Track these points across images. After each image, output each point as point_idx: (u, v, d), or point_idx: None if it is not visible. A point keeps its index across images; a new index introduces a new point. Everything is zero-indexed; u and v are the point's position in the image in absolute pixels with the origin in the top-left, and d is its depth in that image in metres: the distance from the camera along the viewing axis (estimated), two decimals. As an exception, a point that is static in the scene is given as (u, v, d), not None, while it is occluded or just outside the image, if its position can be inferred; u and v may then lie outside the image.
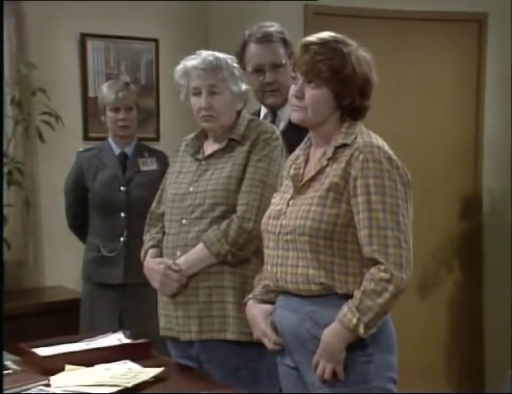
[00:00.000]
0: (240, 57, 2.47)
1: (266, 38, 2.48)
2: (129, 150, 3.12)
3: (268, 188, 2.11)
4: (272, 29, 2.50)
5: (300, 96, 1.82)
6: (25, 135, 3.20)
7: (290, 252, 1.81)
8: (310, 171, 1.86)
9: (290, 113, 1.86)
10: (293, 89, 1.84)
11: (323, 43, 1.80)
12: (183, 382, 1.93)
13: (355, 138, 1.81)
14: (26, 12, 3.28)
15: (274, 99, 2.51)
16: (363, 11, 3.69)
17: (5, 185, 3.11)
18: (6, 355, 2.10)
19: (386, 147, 1.81)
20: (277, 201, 1.91)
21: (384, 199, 1.73)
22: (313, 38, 1.83)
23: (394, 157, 1.79)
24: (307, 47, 1.81)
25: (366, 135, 1.82)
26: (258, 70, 2.49)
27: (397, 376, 1.83)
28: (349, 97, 1.81)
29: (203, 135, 2.28)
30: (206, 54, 2.19)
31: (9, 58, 3.24)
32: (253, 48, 2.49)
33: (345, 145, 1.81)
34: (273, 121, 2.50)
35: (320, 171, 1.82)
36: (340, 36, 1.84)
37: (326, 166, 1.82)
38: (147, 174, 3.08)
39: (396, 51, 3.74)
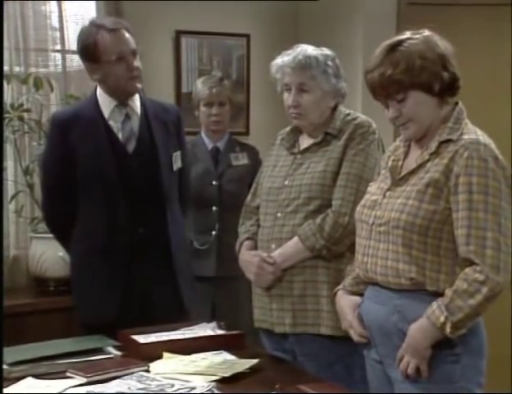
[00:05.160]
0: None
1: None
2: (221, 145, 3.16)
3: (364, 183, 2.09)
4: None
5: (399, 115, 1.78)
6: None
7: (382, 244, 1.80)
8: (411, 164, 1.83)
9: (401, 132, 1.83)
10: (392, 113, 1.79)
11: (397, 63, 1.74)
12: (277, 373, 1.94)
13: (461, 134, 1.76)
14: (125, 11, 3.38)
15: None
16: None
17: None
18: (106, 340, 2.19)
19: (492, 145, 1.75)
20: (373, 190, 1.90)
21: (486, 198, 1.69)
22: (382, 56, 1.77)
23: (500, 156, 1.74)
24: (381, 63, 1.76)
25: (472, 131, 1.78)
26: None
27: (484, 381, 1.77)
28: (439, 83, 1.76)
29: (298, 130, 2.28)
30: (298, 51, 2.19)
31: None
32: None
33: (449, 141, 1.77)
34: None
35: (421, 166, 1.79)
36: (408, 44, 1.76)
37: (428, 160, 1.79)
38: (238, 168, 3.11)
39: (492, 39, 3.59)
